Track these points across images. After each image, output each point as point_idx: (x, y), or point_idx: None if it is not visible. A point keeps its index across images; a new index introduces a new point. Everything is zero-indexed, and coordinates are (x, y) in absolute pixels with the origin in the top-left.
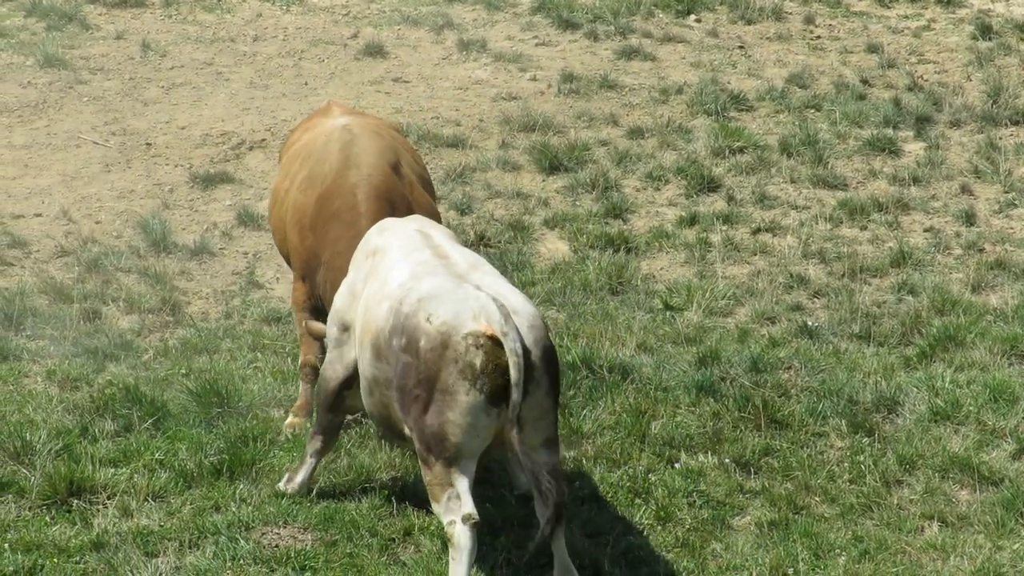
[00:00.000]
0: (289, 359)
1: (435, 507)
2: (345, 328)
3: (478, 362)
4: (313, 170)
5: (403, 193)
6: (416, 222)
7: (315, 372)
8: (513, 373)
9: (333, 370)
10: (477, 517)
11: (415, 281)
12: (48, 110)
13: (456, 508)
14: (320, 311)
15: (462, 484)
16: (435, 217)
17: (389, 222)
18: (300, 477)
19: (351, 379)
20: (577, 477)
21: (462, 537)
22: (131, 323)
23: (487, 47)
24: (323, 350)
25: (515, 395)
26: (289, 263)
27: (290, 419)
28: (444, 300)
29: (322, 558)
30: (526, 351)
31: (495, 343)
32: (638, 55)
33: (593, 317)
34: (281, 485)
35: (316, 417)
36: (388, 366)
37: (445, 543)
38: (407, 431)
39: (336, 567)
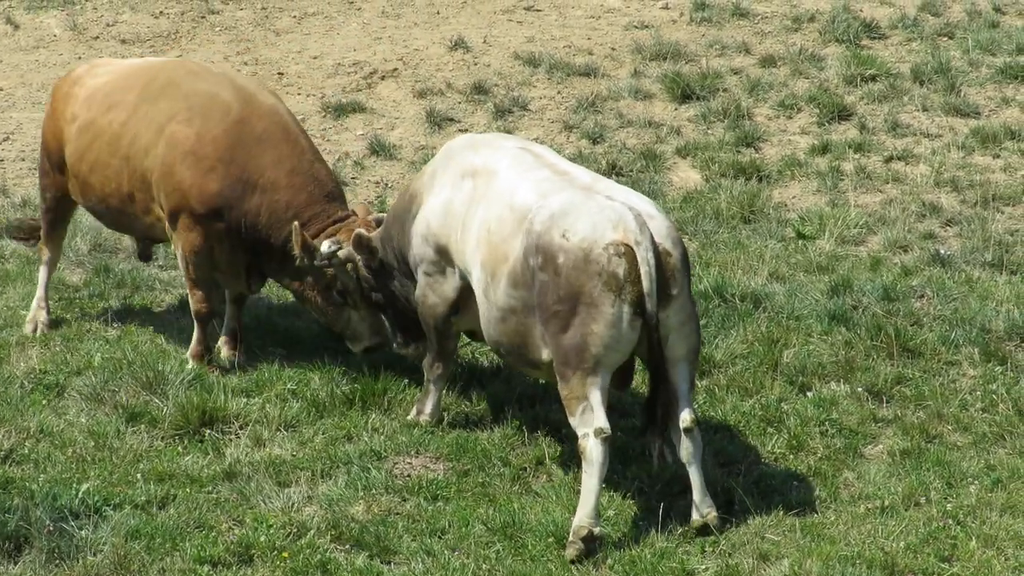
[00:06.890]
0: None
1: (570, 420)
2: (441, 251)
3: (621, 271)
4: (193, 102)
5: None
6: (514, 140)
7: (211, 317)
8: (645, 283)
9: (432, 296)
10: (609, 431)
11: (543, 199)
12: (180, 40)
13: (589, 421)
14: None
15: (596, 398)
16: None
17: (478, 139)
18: (428, 407)
19: (456, 304)
20: (710, 406)
21: (594, 451)
22: None
23: None
24: (220, 299)
25: (649, 306)
26: (117, 209)
27: (190, 363)
28: (579, 215)
29: (454, 487)
30: (666, 255)
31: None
32: None
33: (725, 246)
34: (411, 417)
35: (430, 344)
36: (528, 292)
37: (575, 473)
38: (544, 356)
39: (468, 496)
